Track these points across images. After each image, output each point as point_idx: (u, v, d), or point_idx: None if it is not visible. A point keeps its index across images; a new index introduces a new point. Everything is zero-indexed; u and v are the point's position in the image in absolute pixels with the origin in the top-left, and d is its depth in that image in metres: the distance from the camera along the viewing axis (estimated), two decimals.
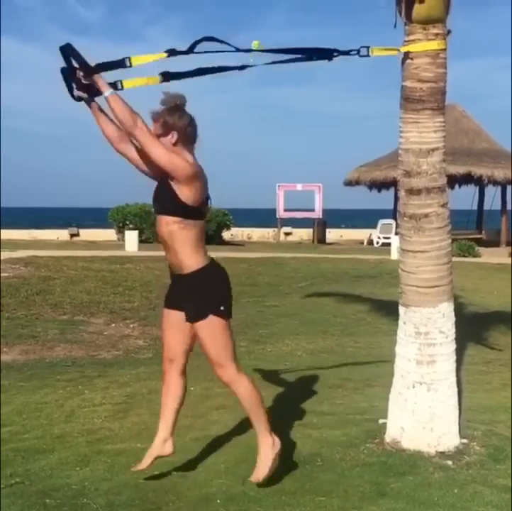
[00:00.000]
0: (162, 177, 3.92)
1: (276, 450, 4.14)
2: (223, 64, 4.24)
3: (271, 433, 4.16)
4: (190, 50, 4.07)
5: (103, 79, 3.84)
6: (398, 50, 4.76)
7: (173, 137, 3.88)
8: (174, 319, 4.09)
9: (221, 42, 4.08)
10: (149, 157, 3.85)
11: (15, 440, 5.02)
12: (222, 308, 3.96)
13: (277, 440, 4.18)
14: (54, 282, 13.23)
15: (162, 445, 4.17)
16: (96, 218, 44.35)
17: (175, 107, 3.91)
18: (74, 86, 3.96)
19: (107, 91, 3.79)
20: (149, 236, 26.30)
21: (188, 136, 3.92)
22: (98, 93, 3.86)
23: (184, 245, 3.90)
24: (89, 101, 4.01)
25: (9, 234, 29.15)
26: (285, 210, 30.26)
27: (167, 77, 4.06)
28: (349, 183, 30.82)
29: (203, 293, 3.93)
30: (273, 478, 4.16)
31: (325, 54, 4.48)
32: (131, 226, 26.49)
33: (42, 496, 4.02)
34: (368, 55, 4.55)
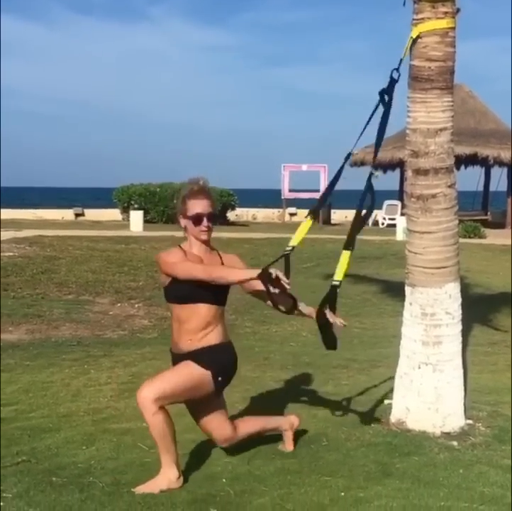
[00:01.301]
0: None
1: (172, 485, 3.90)
2: None
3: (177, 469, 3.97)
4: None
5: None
6: (412, 38, 4.71)
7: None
8: None
9: None
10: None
11: (22, 419, 5.04)
12: (219, 378, 3.98)
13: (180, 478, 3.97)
14: (59, 261, 13.25)
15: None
16: (101, 197, 44.32)
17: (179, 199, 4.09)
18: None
19: None
20: (154, 216, 26.29)
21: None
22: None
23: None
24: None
25: (14, 214, 29.15)
26: (290, 190, 30.19)
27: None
28: (354, 163, 30.69)
29: (209, 363, 3.96)
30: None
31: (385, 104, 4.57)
32: (136, 205, 26.43)
33: (49, 474, 4.04)
34: (399, 73, 4.56)
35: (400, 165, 27.35)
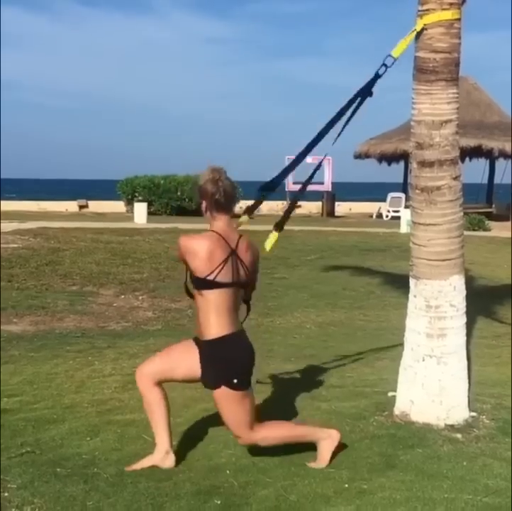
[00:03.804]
0: None
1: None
2: None
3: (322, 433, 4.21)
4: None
5: None
6: (416, 30, 4.70)
7: (203, 204, 4.01)
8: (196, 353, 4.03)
9: None
10: None
11: (26, 410, 5.05)
12: (235, 381, 3.92)
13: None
14: (63, 253, 13.28)
15: (164, 456, 4.06)
16: (105, 189, 44.30)
17: (208, 179, 3.99)
18: None
19: None
20: (158, 208, 26.31)
21: (217, 203, 3.96)
22: None
23: (204, 314, 3.92)
24: None
25: (18, 205, 29.21)
26: (294, 183, 30.12)
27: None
28: (358, 156, 30.66)
29: (218, 363, 3.93)
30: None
31: (368, 92, 4.68)
32: (140, 198, 26.46)
33: (53, 465, 4.05)
34: (395, 60, 4.65)
35: (404, 157, 27.34)
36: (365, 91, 4.70)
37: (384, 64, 4.67)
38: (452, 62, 4.75)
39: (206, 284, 3.87)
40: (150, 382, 4.03)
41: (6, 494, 3.66)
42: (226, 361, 3.93)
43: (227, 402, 3.94)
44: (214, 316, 3.89)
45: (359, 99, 4.69)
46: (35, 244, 14.29)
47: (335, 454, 4.20)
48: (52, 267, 11.81)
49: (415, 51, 4.79)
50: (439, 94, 4.74)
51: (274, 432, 4.13)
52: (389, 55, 4.67)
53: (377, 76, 4.69)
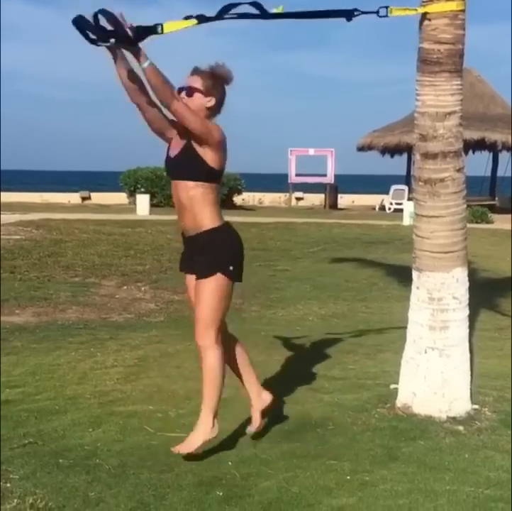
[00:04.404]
0: (184, 144, 3.95)
1: (212, 435, 4.02)
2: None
3: (213, 419, 4.03)
4: (219, 17, 4.06)
5: (142, 50, 3.75)
6: (417, 10, 4.66)
7: (210, 101, 3.96)
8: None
9: (250, 4, 4.07)
10: (179, 123, 3.90)
11: (29, 401, 5.06)
12: (231, 268, 3.97)
13: (216, 427, 4.05)
14: (66, 244, 13.29)
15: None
16: (108, 181, 44.31)
17: (224, 80, 3.99)
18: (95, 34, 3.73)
19: (145, 63, 3.73)
20: (160, 200, 26.30)
21: (218, 109, 4.02)
22: (125, 40, 3.72)
23: (204, 208, 3.94)
24: (113, 48, 3.83)
25: (21, 197, 29.23)
26: (297, 175, 30.13)
27: (202, 19, 3.99)
28: (361, 148, 30.64)
29: (215, 250, 3.96)
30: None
31: (346, 13, 4.37)
32: (142, 189, 26.44)
33: (55, 456, 4.05)
34: (387, 15, 4.43)
35: (407, 149, 27.32)
36: (345, 12, 4.31)
37: (377, 11, 4.37)
38: (456, 54, 4.73)
39: (218, 176, 3.98)
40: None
41: (8, 484, 3.66)
42: (224, 249, 3.99)
43: (215, 290, 3.94)
44: (213, 207, 3.96)
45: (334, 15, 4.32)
46: (38, 236, 14.30)
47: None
48: (55, 258, 11.81)
49: (419, 42, 4.77)
50: (443, 86, 4.72)
51: (220, 367, 4.04)
52: (386, 7, 4.39)
53: (365, 12, 4.34)
